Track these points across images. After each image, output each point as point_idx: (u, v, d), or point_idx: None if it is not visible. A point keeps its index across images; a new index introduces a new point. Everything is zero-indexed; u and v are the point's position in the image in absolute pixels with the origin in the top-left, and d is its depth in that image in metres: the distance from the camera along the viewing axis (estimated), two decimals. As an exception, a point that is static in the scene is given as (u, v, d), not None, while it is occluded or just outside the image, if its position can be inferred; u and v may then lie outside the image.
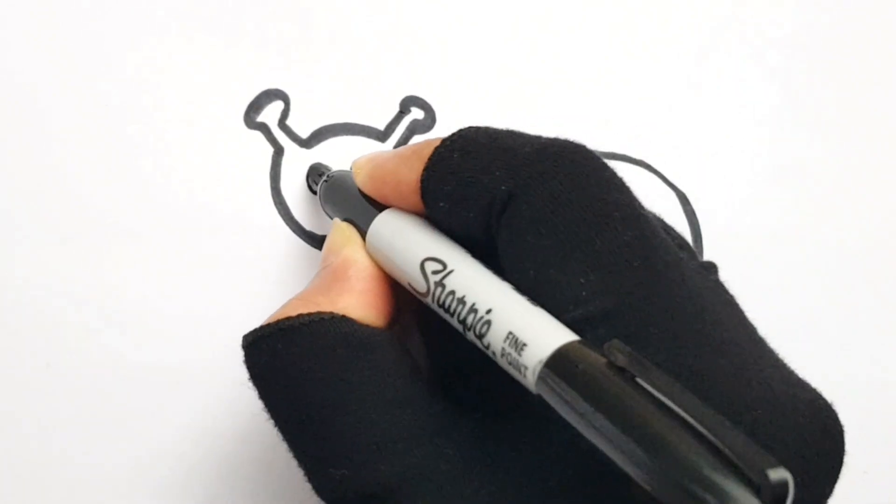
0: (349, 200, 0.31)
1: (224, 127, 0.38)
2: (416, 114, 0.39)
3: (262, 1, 0.38)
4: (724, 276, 0.39)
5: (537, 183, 0.24)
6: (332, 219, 0.32)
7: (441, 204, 0.26)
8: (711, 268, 0.26)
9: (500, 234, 0.25)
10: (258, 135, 0.38)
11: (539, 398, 0.22)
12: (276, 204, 0.38)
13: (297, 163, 0.38)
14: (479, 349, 0.25)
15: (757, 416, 0.22)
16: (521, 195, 0.24)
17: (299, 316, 0.26)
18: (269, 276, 0.38)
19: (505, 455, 0.24)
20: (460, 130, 0.27)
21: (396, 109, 0.39)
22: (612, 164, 0.26)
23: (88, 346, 0.37)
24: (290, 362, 0.26)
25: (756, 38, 0.41)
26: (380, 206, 0.29)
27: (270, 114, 0.38)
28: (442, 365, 0.30)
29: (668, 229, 0.27)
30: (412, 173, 0.27)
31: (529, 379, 0.22)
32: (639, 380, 0.20)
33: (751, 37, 0.41)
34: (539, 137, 0.26)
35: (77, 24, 0.38)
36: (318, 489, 0.26)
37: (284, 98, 0.38)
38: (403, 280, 0.27)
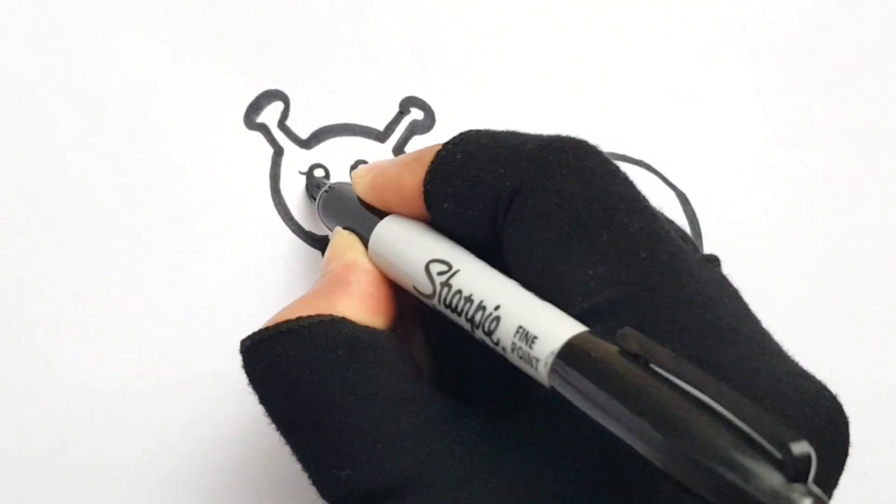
0: (349, 210, 0.31)
1: (224, 127, 0.38)
2: (416, 114, 0.39)
3: (262, 2, 0.38)
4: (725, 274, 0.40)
5: (542, 177, 0.24)
6: (331, 230, 0.32)
7: (445, 206, 0.26)
8: (714, 260, 0.27)
9: (505, 230, 0.25)
10: (258, 135, 0.38)
11: (551, 391, 0.22)
12: (275, 204, 0.38)
13: (296, 163, 0.38)
14: (482, 349, 0.25)
15: (765, 405, 0.22)
16: (527, 190, 0.24)
17: (298, 319, 0.26)
18: (268, 277, 0.38)
19: (511, 451, 0.24)
20: (462, 133, 0.27)
21: (396, 110, 0.39)
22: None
23: (87, 345, 0.37)
24: (290, 365, 0.26)
25: (756, 38, 0.41)
26: (381, 214, 0.29)
27: (270, 114, 0.38)
28: (445, 366, 0.30)
29: (670, 222, 0.27)
30: (414, 178, 0.27)
31: (542, 371, 0.22)
32: (652, 365, 0.20)
33: (751, 37, 0.41)
34: (542, 135, 0.26)
35: (77, 25, 0.38)
36: (324, 491, 0.26)
37: (284, 98, 0.38)
38: (407, 284, 0.27)
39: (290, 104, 0.38)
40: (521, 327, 0.23)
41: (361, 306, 0.27)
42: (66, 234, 0.37)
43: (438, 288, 0.26)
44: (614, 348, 0.20)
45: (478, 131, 0.27)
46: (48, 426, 0.37)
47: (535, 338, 0.22)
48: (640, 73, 0.40)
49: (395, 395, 0.25)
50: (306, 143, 0.38)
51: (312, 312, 0.26)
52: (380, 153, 0.39)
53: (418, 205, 0.27)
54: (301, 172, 0.38)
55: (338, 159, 0.38)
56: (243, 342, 0.27)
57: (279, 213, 0.38)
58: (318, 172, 0.38)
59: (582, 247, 0.24)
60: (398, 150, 0.39)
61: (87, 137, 0.38)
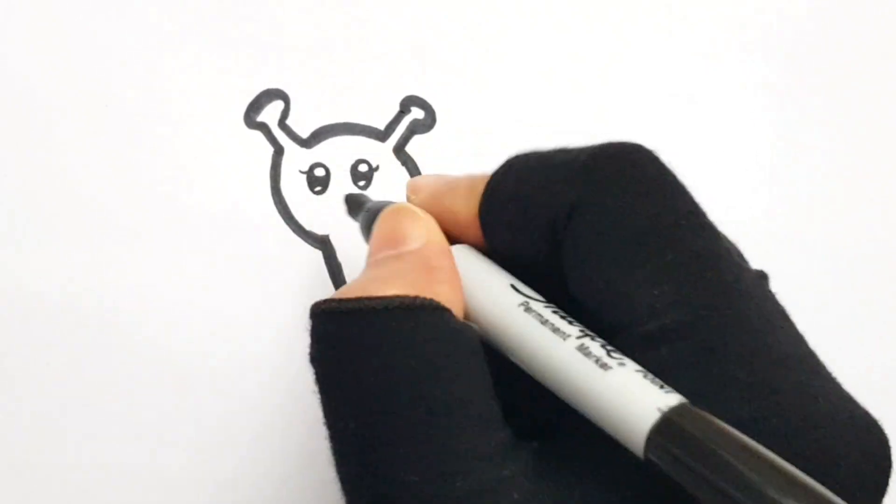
0: None
1: (224, 127, 0.38)
2: (417, 113, 0.39)
3: (262, 1, 0.38)
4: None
5: (599, 190, 0.24)
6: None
7: (503, 234, 0.25)
8: (764, 277, 0.26)
9: (564, 248, 0.24)
10: (258, 134, 0.38)
11: (645, 459, 0.21)
12: (275, 203, 0.38)
13: (297, 162, 0.38)
14: (529, 385, 0.24)
15: (824, 433, 0.21)
16: (584, 205, 0.23)
17: (397, 297, 0.23)
18: (268, 275, 0.38)
19: (569, 483, 0.23)
20: (510, 158, 0.26)
21: (396, 109, 0.39)
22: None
23: (86, 344, 0.37)
24: (380, 346, 0.23)
25: (757, 38, 0.41)
26: None
27: (270, 113, 0.38)
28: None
29: (727, 240, 0.26)
30: (469, 209, 0.26)
31: (634, 439, 0.21)
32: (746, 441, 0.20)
33: (751, 37, 0.41)
34: (593, 145, 0.25)
35: (78, 25, 0.38)
36: (369, 493, 0.23)
37: (284, 98, 0.38)
38: (487, 307, 0.25)
39: (290, 103, 0.38)
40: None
41: (456, 298, 0.25)
42: (65, 234, 0.37)
43: (523, 305, 0.24)
44: (714, 423, 0.20)
45: (526, 154, 0.26)
46: (47, 426, 0.37)
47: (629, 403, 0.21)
48: (640, 73, 0.40)
49: (480, 410, 0.23)
50: (307, 142, 0.38)
51: (411, 293, 0.23)
52: (380, 152, 0.39)
53: (475, 234, 0.26)
54: (301, 171, 0.38)
55: (338, 158, 0.38)
56: (320, 305, 0.24)
57: (279, 212, 0.38)
58: (319, 172, 0.38)
59: (647, 265, 0.23)
60: (399, 149, 0.39)
61: (87, 137, 0.38)
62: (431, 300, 0.23)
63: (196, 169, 0.38)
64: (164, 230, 0.37)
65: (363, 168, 0.38)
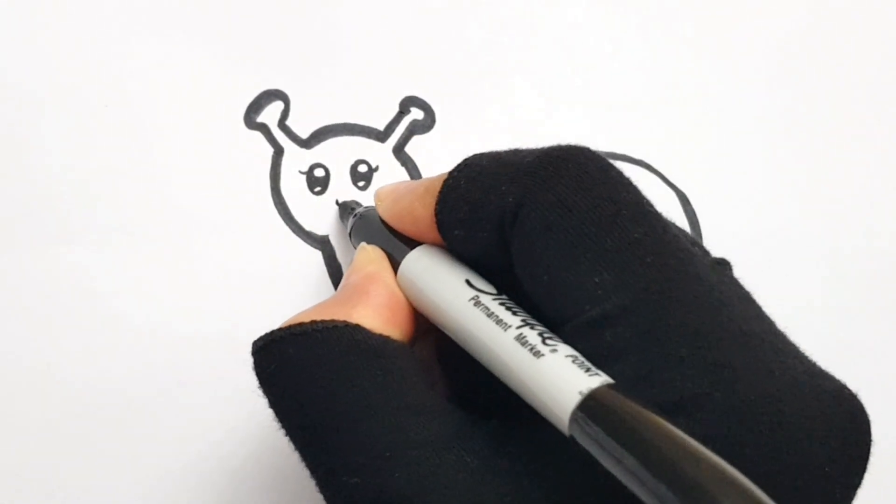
0: (376, 233, 0.31)
1: (224, 127, 0.38)
2: (416, 114, 0.39)
3: (262, 1, 0.38)
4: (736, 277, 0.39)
5: (542, 188, 0.25)
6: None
7: (456, 232, 0.27)
8: (725, 264, 0.27)
9: (512, 245, 0.25)
10: (258, 135, 0.38)
11: (570, 439, 0.22)
12: (275, 204, 0.38)
13: (297, 163, 0.38)
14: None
15: (782, 406, 0.22)
16: (529, 203, 0.25)
17: (312, 322, 0.26)
18: (268, 276, 0.38)
19: (525, 464, 0.24)
20: (465, 159, 0.27)
21: (396, 109, 0.39)
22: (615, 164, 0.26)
23: (86, 346, 0.37)
24: (302, 368, 0.26)
25: (758, 38, 0.41)
26: (404, 238, 0.30)
27: (270, 114, 0.38)
28: (455, 385, 0.30)
29: (678, 228, 0.27)
30: (426, 209, 0.27)
31: (559, 417, 0.22)
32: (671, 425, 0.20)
33: (753, 37, 0.41)
34: (542, 147, 0.26)
35: (77, 25, 0.38)
36: (331, 499, 0.25)
37: (284, 98, 0.38)
38: (436, 305, 0.27)
39: (290, 104, 0.38)
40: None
41: (377, 316, 0.27)
42: (65, 234, 0.37)
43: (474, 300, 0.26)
44: (636, 406, 0.21)
45: (480, 155, 0.27)
46: (47, 427, 0.37)
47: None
48: (640, 73, 0.40)
49: (407, 404, 0.25)
50: (306, 143, 0.38)
51: (327, 317, 0.26)
52: (380, 153, 0.39)
53: (433, 233, 0.28)
54: (301, 172, 0.38)
55: (338, 159, 0.38)
56: (255, 343, 0.27)
57: (279, 213, 0.38)
58: (319, 172, 0.38)
59: (587, 255, 0.24)
60: (398, 149, 0.39)
61: (87, 138, 0.38)
62: (338, 321, 0.26)
63: (196, 169, 0.38)
64: (163, 230, 0.38)
65: (363, 168, 0.38)
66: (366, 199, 0.38)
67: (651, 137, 0.40)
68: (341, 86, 0.39)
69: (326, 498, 0.25)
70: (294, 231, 0.38)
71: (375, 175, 0.38)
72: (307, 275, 0.38)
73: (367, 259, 0.30)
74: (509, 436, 0.25)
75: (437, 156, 0.39)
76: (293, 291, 0.38)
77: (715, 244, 0.40)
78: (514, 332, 0.24)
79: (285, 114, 0.38)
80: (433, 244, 0.29)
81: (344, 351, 0.26)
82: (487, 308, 0.25)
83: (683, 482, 0.19)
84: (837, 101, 0.41)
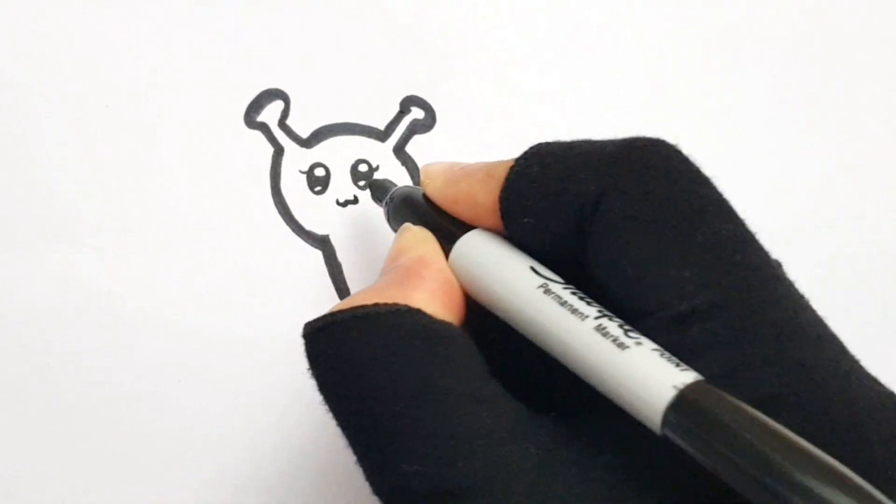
0: (424, 216, 0.30)
1: (224, 126, 0.38)
2: (417, 113, 0.39)
3: (263, 2, 0.38)
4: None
5: (628, 179, 0.24)
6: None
7: (525, 220, 0.26)
8: (780, 266, 0.27)
9: (591, 235, 0.25)
10: (258, 134, 0.38)
11: (662, 436, 0.22)
12: (276, 203, 0.38)
13: (297, 162, 0.38)
14: (548, 359, 0.24)
15: (856, 410, 0.22)
16: (613, 193, 0.24)
17: (375, 305, 0.25)
18: (268, 275, 0.38)
19: (589, 454, 0.24)
20: (533, 147, 0.27)
21: (396, 109, 0.39)
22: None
23: (87, 345, 0.37)
24: (363, 351, 0.25)
25: (763, 38, 0.41)
26: (454, 221, 0.29)
27: (270, 113, 0.38)
28: (510, 374, 0.29)
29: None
30: (489, 194, 0.27)
31: (650, 415, 0.22)
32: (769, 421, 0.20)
33: (757, 37, 0.41)
34: (618, 138, 0.26)
35: (77, 25, 0.38)
36: (384, 486, 0.24)
37: (284, 98, 0.38)
38: (493, 291, 0.26)
39: (290, 103, 0.38)
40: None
41: (435, 301, 0.26)
42: (64, 235, 0.37)
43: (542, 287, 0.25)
44: (737, 402, 0.20)
45: (549, 143, 0.27)
46: (48, 426, 0.37)
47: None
48: (642, 73, 0.40)
49: (471, 391, 0.24)
50: (307, 142, 0.38)
51: (388, 301, 0.25)
52: (380, 152, 0.39)
53: (493, 219, 0.27)
54: (301, 171, 0.38)
55: (338, 158, 0.38)
56: (310, 324, 0.26)
57: (279, 212, 0.38)
58: (319, 172, 0.38)
59: (675, 249, 0.23)
60: (399, 149, 0.39)
61: (87, 138, 0.38)
62: (400, 305, 0.25)
63: (196, 169, 0.38)
64: (164, 230, 0.38)
65: (363, 168, 0.39)
66: (365, 198, 0.38)
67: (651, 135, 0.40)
68: (342, 85, 0.39)
69: (377, 485, 0.25)
70: (294, 230, 0.38)
71: (376, 175, 0.39)
72: (307, 274, 0.38)
73: (416, 240, 0.29)
74: (570, 428, 0.25)
75: (438, 155, 0.39)
76: (293, 290, 0.38)
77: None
78: (592, 323, 0.23)
79: (285, 113, 0.38)
80: (487, 229, 0.28)
81: (408, 336, 0.25)
82: (559, 297, 0.24)
83: (799, 481, 0.18)
84: (847, 101, 0.41)
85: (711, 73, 0.40)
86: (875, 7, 0.41)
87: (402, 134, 0.39)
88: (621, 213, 0.24)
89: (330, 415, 0.26)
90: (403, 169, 0.39)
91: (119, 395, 0.37)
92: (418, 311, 0.25)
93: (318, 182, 0.38)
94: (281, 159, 0.38)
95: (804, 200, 0.41)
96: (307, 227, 0.38)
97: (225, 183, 0.38)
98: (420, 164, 0.39)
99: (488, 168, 0.27)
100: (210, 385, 0.37)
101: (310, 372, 0.26)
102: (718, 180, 0.40)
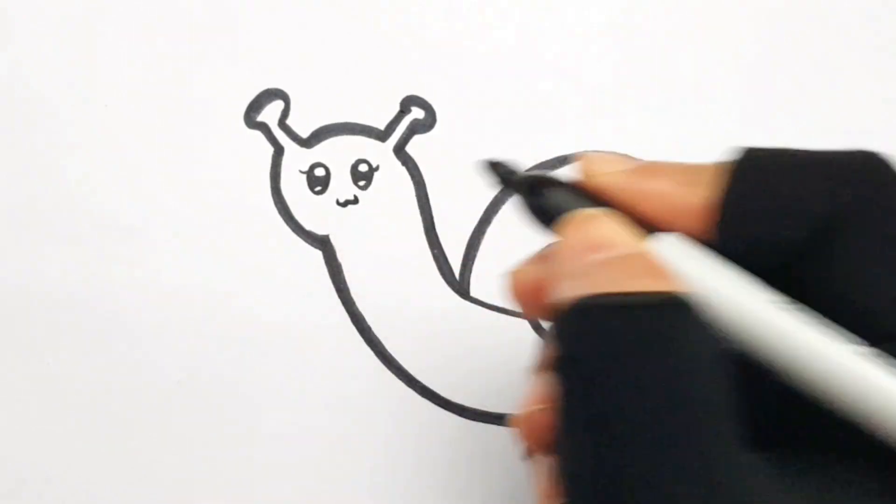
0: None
1: (224, 126, 0.38)
2: (417, 113, 0.39)
3: (263, 1, 0.38)
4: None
5: (876, 194, 0.23)
6: (548, 222, 0.26)
7: (748, 228, 0.24)
8: None
9: (835, 248, 0.23)
10: (258, 134, 0.38)
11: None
12: (275, 203, 0.38)
13: (297, 162, 0.38)
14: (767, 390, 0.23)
15: None
16: (860, 208, 0.23)
17: (664, 293, 0.22)
18: (268, 275, 0.38)
19: (828, 494, 0.22)
20: (746, 150, 0.25)
21: (397, 109, 0.39)
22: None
23: (87, 345, 0.37)
24: (653, 343, 0.22)
25: (771, 42, 0.41)
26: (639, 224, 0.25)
27: (270, 113, 0.38)
28: None
29: None
30: (695, 197, 0.24)
31: None
32: None
33: (766, 41, 0.41)
34: (834, 150, 0.24)
35: (77, 25, 0.38)
36: (622, 498, 0.21)
37: (284, 97, 0.38)
38: (730, 304, 0.24)
39: (290, 103, 0.38)
40: None
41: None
42: (66, 235, 0.37)
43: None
44: None
45: (763, 149, 0.25)
46: (48, 428, 0.37)
47: None
48: (643, 72, 0.40)
49: (733, 414, 0.22)
50: (307, 142, 0.38)
51: (678, 289, 0.22)
52: (380, 152, 0.39)
53: (693, 224, 0.24)
54: (301, 171, 0.38)
55: (338, 158, 0.38)
56: (585, 300, 0.22)
57: (279, 212, 0.38)
58: (319, 171, 0.38)
59: None
60: (399, 149, 0.39)
61: (87, 137, 0.38)
62: (687, 296, 0.22)
63: (196, 168, 0.38)
64: (164, 229, 0.38)
65: (363, 168, 0.39)
66: (365, 198, 0.38)
67: (651, 138, 0.40)
68: (342, 85, 0.39)
69: (607, 497, 0.21)
70: (294, 230, 0.38)
71: (376, 174, 0.39)
72: (307, 274, 0.38)
73: (619, 231, 0.24)
74: (803, 464, 0.23)
75: (438, 155, 0.39)
76: (293, 291, 0.38)
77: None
78: (849, 347, 0.21)
79: (285, 113, 0.38)
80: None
81: (697, 337, 0.22)
82: (802, 316, 0.22)
83: None
84: (855, 104, 0.41)
85: (718, 71, 0.40)
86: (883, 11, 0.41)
87: (403, 134, 0.39)
88: (873, 228, 0.23)
89: (564, 383, 0.22)
90: (404, 169, 0.39)
91: (119, 395, 0.37)
92: (697, 309, 0.22)
93: (318, 182, 0.38)
94: (281, 159, 0.38)
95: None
96: (307, 227, 0.38)
97: (225, 182, 0.38)
98: (420, 164, 0.39)
99: (691, 169, 0.25)
100: (209, 384, 0.37)
101: (564, 355, 0.22)
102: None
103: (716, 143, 0.40)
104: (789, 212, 0.23)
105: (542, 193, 0.26)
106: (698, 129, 0.40)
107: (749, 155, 0.25)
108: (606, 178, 0.26)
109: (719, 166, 0.25)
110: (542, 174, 0.27)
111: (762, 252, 0.24)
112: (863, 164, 0.24)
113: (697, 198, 0.24)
